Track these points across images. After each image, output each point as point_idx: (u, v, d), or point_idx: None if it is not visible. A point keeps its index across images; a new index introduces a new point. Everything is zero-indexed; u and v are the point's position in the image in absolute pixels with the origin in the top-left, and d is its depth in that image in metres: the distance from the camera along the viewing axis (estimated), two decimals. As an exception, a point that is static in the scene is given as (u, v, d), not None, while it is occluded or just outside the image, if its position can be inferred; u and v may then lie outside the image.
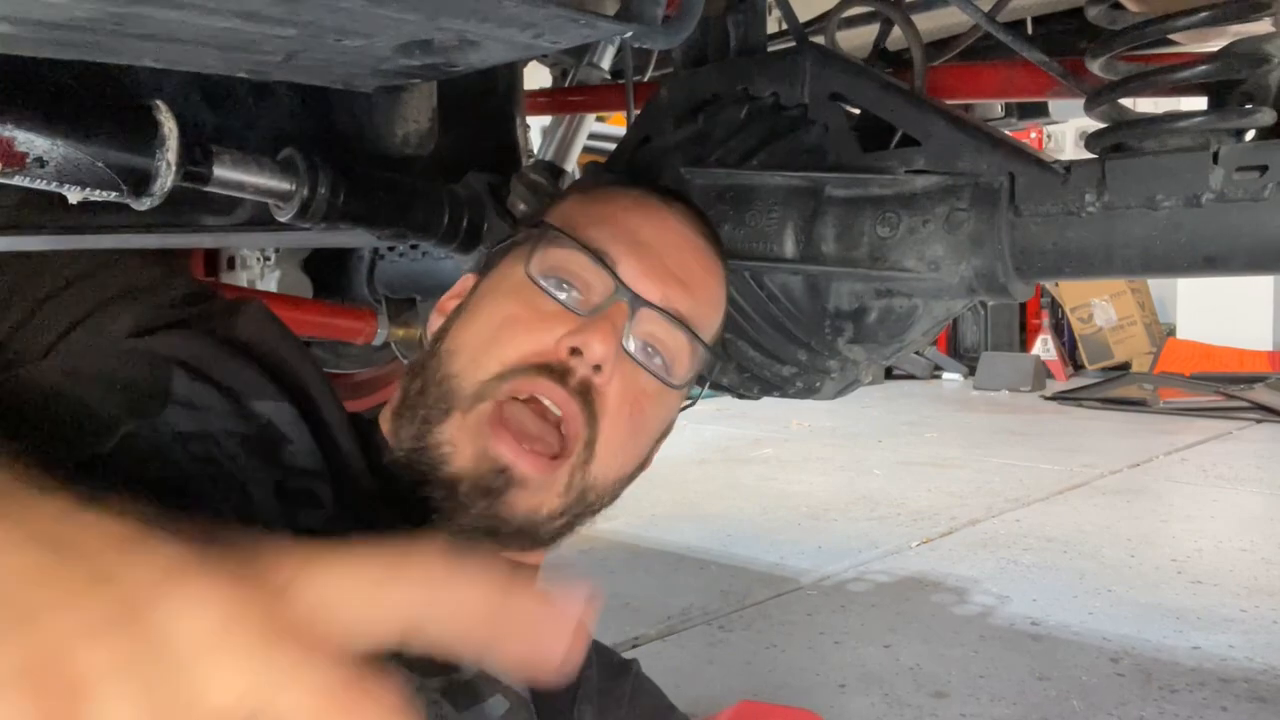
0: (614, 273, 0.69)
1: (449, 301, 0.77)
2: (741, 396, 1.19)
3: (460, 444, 0.64)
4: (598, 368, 0.66)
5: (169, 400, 0.58)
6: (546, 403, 0.65)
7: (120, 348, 0.64)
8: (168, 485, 0.54)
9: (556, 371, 0.65)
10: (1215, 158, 0.79)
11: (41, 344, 0.66)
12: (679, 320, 0.71)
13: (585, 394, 0.66)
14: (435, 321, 0.76)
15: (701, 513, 2.95)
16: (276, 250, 1.68)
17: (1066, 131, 4.48)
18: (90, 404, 0.56)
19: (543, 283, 0.69)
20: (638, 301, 0.69)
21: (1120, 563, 2.42)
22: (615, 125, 3.03)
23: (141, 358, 0.61)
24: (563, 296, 0.69)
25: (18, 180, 0.72)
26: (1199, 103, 0.90)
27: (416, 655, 0.57)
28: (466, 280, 0.78)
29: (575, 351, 0.66)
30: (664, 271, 0.72)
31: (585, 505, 0.70)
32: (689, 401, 0.81)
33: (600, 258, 0.70)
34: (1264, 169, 0.78)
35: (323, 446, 0.63)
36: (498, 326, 0.68)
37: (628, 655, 0.85)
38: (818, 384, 1.13)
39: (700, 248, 0.78)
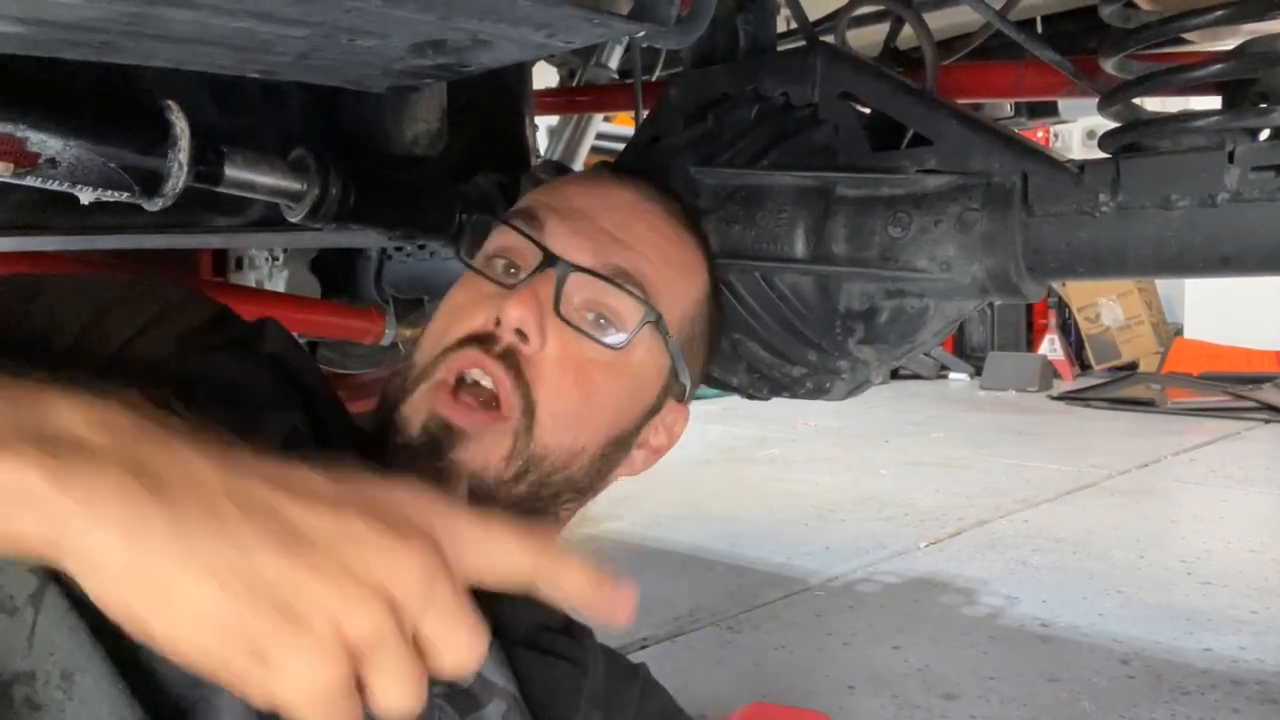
0: (537, 240, 0.70)
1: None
2: (751, 397, 1.19)
3: (412, 414, 0.67)
4: (521, 334, 0.66)
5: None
6: (477, 374, 0.67)
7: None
8: None
9: (482, 341, 0.67)
10: (1231, 157, 0.79)
11: (113, 343, 0.66)
12: (614, 279, 0.70)
13: (509, 359, 0.67)
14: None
15: (708, 513, 2.94)
16: (285, 250, 1.68)
17: (1073, 131, 4.46)
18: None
19: (484, 268, 0.72)
20: (566, 266, 0.69)
21: (1130, 564, 2.41)
22: (621, 125, 3.03)
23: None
24: (502, 277, 0.71)
25: (30, 181, 0.72)
26: (1209, 102, 0.90)
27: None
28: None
29: (499, 323, 0.67)
30: (596, 231, 0.71)
31: (543, 474, 0.69)
32: (681, 384, 0.78)
33: (524, 229, 0.70)
34: (1280, 168, 0.77)
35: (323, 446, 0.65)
36: (445, 316, 0.71)
37: (635, 656, 0.84)
38: (828, 384, 1.13)
39: (648, 209, 0.77)
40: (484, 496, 0.67)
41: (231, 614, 0.37)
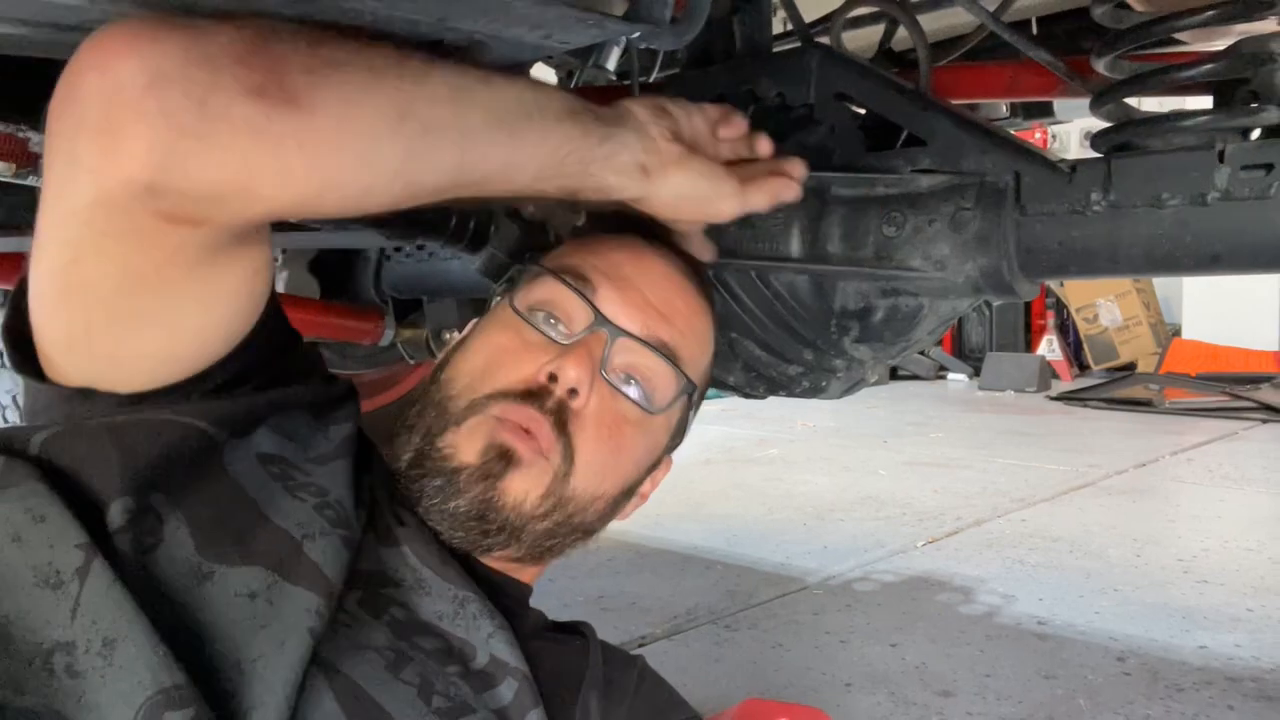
0: (592, 303, 0.74)
1: (456, 340, 0.83)
2: (748, 396, 1.19)
3: (461, 444, 0.70)
4: (573, 391, 0.71)
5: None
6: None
7: None
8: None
9: (536, 397, 0.71)
10: (1221, 156, 0.79)
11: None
12: (657, 349, 0.75)
13: (559, 414, 0.71)
14: (441, 356, 0.82)
15: (707, 513, 2.95)
16: (284, 251, 1.69)
17: (1071, 131, 4.47)
18: None
19: (528, 316, 0.75)
20: (616, 330, 0.74)
21: (1126, 562, 2.42)
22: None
23: None
24: (548, 328, 0.74)
25: (31, 181, 0.73)
26: (1200, 102, 0.90)
27: (434, 648, 0.62)
28: (471, 323, 0.84)
29: (553, 377, 0.71)
30: (643, 303, 0.76)
31: (567, 518, 0.74)
32: (680, 436, 0.85)
33: (580, 290, 0.74)
34: (1269, 167, 0.78)
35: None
36: (489, 355, 0.75)
37: (634, 654, 0.86)
38: (824, 383, 1.13)
39: (684, 286, 0.81)
40: (512, 529, 0.71)
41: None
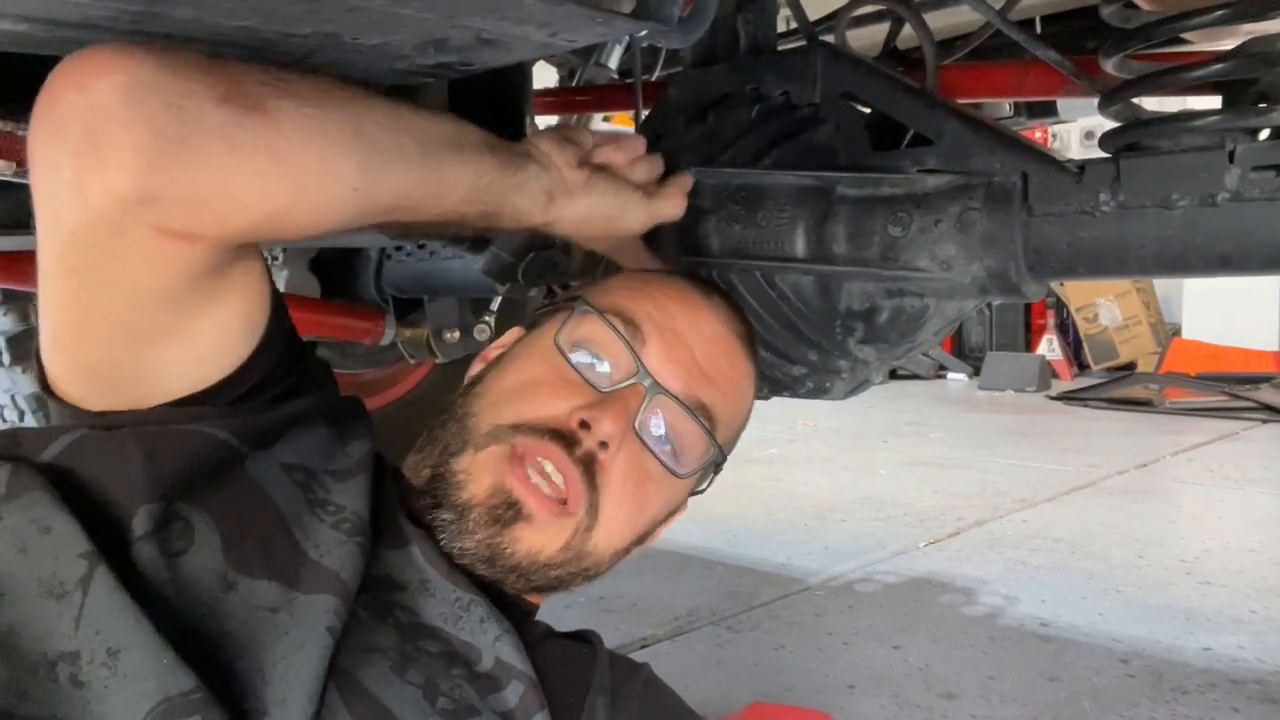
0: (637, 355, 0.73)
1: (492, 350, 0.83)
2: (752, 397, 1.19)
3: (475, 474, 0.70)
4: (604, 444, 0.70)
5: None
6: (549, 468, 0.70)
7: None
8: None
9: (565, 439, 0.70)
10: (1231, 157, 0.79)
11: None
12: (694, 412, 0.75)
13: (588, 465, 0.70)
14: (475, 367, 0.82)
15: (708, 513, 2.94)
16: (284, 250, 1.68)
17: (1071, 131, 4.47)
18: None
19: (570, 354, 0.74)
20: (656, 387, 0.73)
21: (1129, 563, 2.42)
22: (620, 125, 3.02)
23: None
24: (588, 369, 0.73)
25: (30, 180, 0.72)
26: (1204, 102, 0.90)
27: (439, 650, 0.62)
28: (512, 333, 0.84)
29: (585, 425, 0.70)
30: (689, 362, 0.76)
31: (580, 569, 0.73)
32: (700, 489, 0.84)
33: (627, 339, 0.74)
34: (1280, 168, 0.77)
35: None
36: (523, 383, 0.74)
37: (635, 656, 0.86)
38: (828, 384, 1.13)
39: (734, 347, 0.81)
40: (522, 573, 0.71)
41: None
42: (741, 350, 0.82)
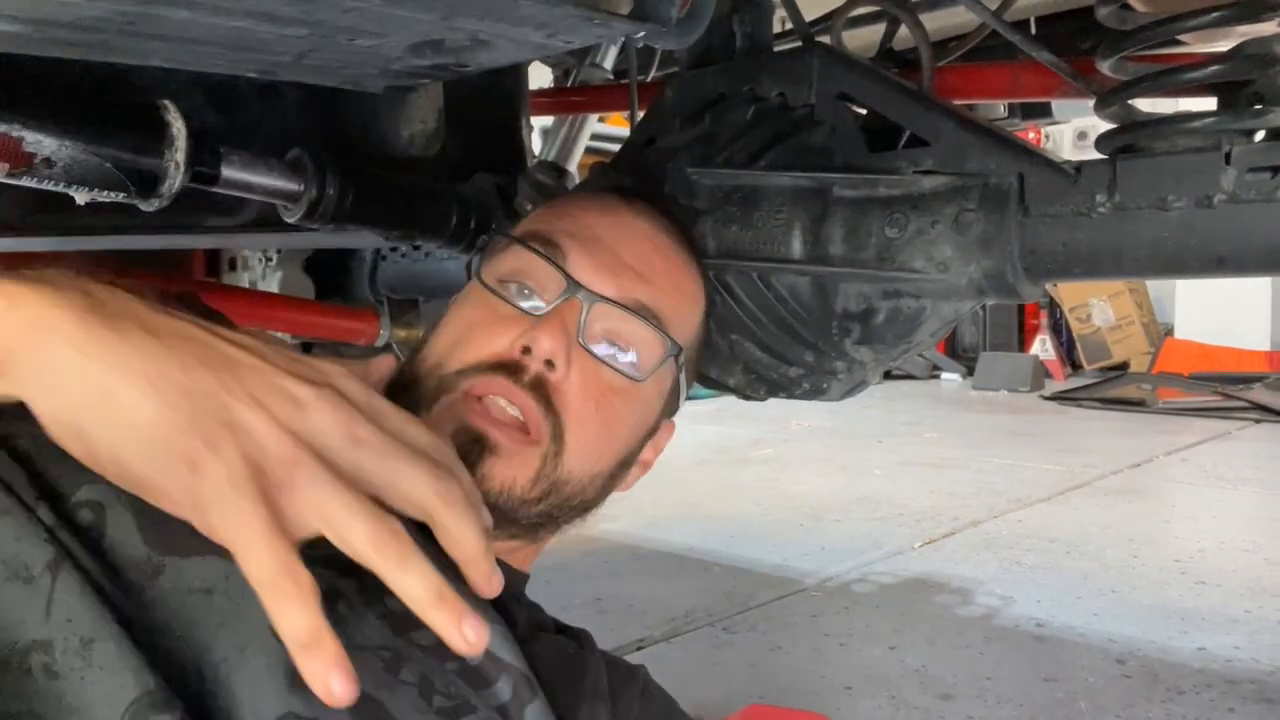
0: (563, 269, 0.70)
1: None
2: (748, 398, 1.18)
3: (436, 429, 0.65)
4: (550, 364, 0.67)
5: None
6: (504, 403, 0.67)
7: None
8: None
9: (510, 369, 0.67)
10: (1227, 158, 0.79)
11: None
12: (636, 312, 0.72)
13: (540, 389, 0.67)
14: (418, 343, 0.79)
15: (704, 514, 2.94)
16: (279, 251, 1.68)
17: (1065, 132, 4.48)
18: None
19: (498, 289, 0.71)
20: (590, 296, 0.70)
21: (1123, 563, 2.42)
22: (616, 126, 3.03)
23: None
24: (519, 300, 0.71)
25: (25, 181, 0.72)
26: (1199, 104, 0.90)
27: (430, 643, 0.58)
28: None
29: (526, 350, 0.67)
30: (618, 264, 0.73)
31: (563, 499, 0.71)
32: (684, 398, 0.81)
33: (549, 256, 0.71)
34: (1276, 170, 0.77)
35: None
36: (460, 332, 0.71)
37: (631, 658, 0.85)
38: (825, 385, 1.12)
39: (664, 243, 0.78)
40: (503, 515, 0.68)
41: (170, 422, 0.42)
42: (672, 244, 0.79)
